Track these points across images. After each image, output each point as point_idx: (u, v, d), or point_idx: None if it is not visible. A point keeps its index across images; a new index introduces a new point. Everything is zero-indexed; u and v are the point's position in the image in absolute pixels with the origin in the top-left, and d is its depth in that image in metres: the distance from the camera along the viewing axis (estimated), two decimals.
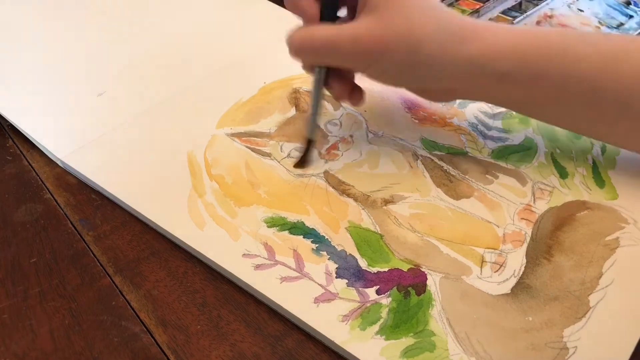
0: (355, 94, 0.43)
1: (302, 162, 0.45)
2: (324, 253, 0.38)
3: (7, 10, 0.67)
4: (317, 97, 0.42)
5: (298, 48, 0.39)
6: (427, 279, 0.36)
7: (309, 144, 0.45)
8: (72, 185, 0.45)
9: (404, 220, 0.40)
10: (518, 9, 0.66)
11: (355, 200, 0.41)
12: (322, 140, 0.46)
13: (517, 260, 0.37)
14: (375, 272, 0.36)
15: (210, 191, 0.42)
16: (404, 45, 0.37)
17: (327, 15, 0.40)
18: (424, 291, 0.35)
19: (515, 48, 0.38)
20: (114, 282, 0.37)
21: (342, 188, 0.42)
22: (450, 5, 0.65)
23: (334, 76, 0.42)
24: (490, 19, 0.63)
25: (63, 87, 0.55)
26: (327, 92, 0.43)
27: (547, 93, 0.39)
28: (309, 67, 0.43)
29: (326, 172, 0.44)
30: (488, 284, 0.36)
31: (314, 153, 0.45)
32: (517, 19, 0.60)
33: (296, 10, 0.40)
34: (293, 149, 0.46)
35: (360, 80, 0.42)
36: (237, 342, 0.34)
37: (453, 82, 0.40)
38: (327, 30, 0.38)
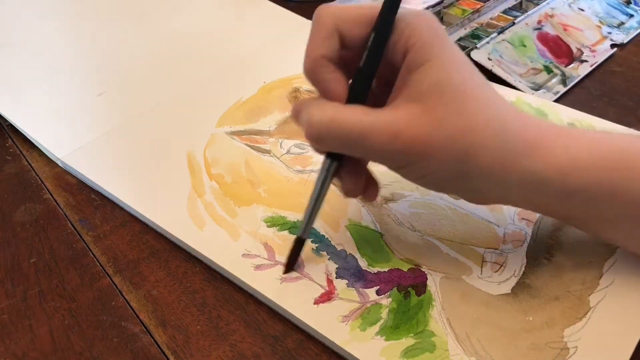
0: (370, 188, 0.35)
1: (289, 266, 0.36)
2: (324, 253, 0.38)
3: (7, 10, 0.67)
4: (320, 191, 0.34)
5: (320, 134, 0.31)
6: (427, 279, 0.36)
7: (299, 244, 0.36)
8: (72, 185, 0.45)
9: (404, 219, 0.40)
10: (518, 8, 0.66)
11: None
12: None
13: (517, 260, 0.37)
14: (375, 272, 0.36)
15: (210, 191, 0.42)
16: (452, 153, 0.30)
17: (358, 94, 0.32)
18: (424, 291, 0.35)
19: (589, 165, 0.31)
20: (113, 282, 0.37)
21: None
22: (451, 5, 0.65)
23: (347, 166, 0.34)
24: (491, 19, 0.63)
25: (63, 87, 0.55)
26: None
27: (620, 210, 0.32)
28: (321, 151, 0.34)
29: None
30: (488, 283, 0.36)
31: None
32: (518, 19, 0.60)
33: (318, 84, 0.32)
34: (293, 145, 0.46)
35: None
36: (237, 342, 0.34)
37: (508, 195, 0.33)
38: (359, 117, 0.30)
